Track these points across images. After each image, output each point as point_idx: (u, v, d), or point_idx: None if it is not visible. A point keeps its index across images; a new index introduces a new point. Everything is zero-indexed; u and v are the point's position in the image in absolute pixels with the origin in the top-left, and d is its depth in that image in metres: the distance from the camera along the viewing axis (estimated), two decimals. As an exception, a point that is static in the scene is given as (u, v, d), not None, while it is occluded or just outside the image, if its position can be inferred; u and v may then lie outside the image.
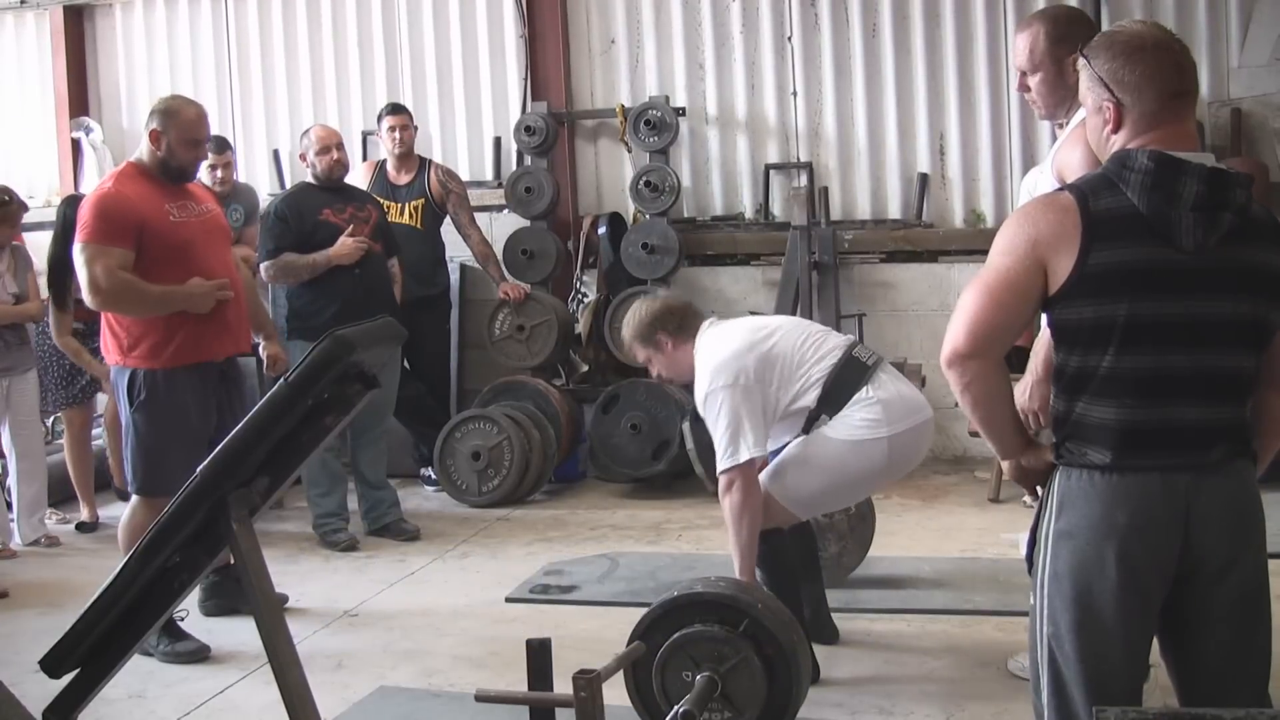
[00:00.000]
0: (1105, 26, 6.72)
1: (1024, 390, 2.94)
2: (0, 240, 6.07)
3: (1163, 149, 2.32)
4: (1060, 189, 2.47)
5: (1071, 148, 3.19)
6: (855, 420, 3.97)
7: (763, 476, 4.06)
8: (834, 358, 4.05)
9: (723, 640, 3.39)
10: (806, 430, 4.05)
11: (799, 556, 4.30)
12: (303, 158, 6.12)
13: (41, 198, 8.17)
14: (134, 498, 4.66)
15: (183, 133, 4.54)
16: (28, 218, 7.09)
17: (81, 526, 6.44)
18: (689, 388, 4.23)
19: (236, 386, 4.77)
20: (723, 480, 3.96)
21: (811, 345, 4.09)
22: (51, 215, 7.99)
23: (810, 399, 4.01)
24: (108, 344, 4.63)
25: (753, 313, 6.51)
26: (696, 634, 3.42)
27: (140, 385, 4.52)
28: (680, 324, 4.22)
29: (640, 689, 3.48)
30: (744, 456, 3.91)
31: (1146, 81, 2.35)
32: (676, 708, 3.23)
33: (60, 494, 6.71)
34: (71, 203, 5.96)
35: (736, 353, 4.01)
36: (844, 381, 4.00)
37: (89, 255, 4.42)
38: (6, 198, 6.09)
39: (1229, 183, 2.32)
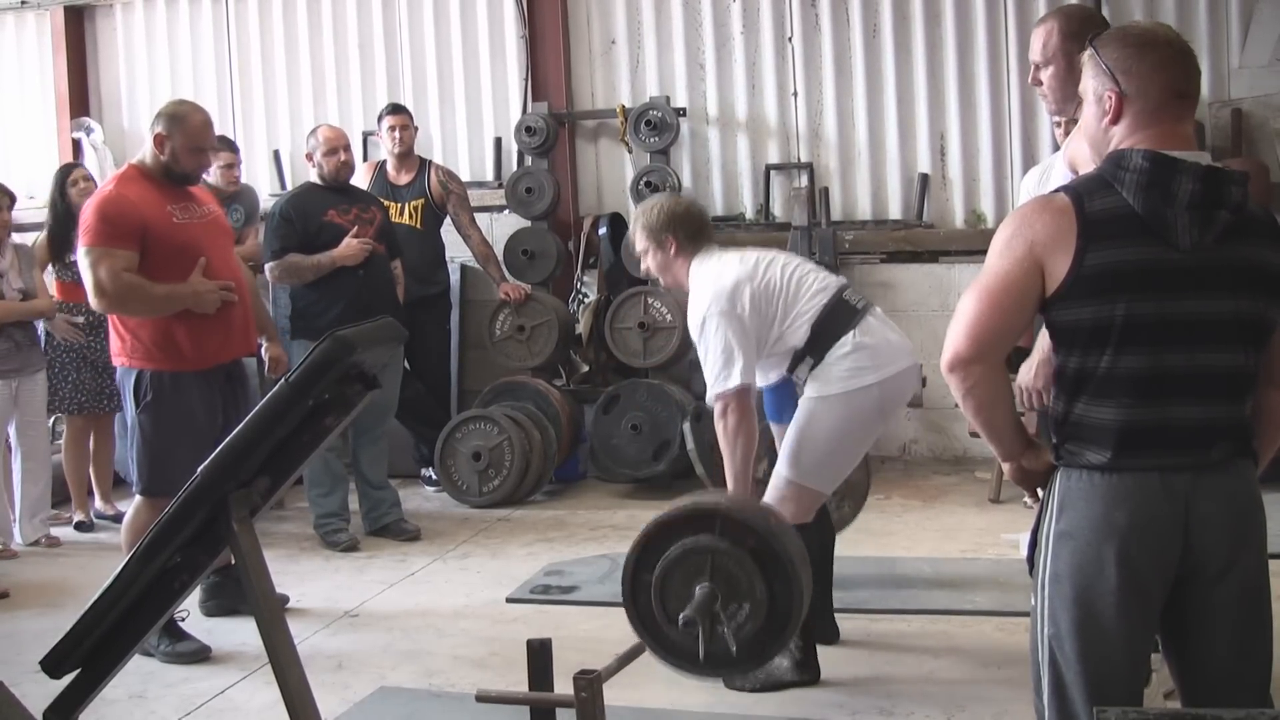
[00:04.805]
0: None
1: (1030, 368, 2.95)
2: None
3: (1158, 148, 2.33)
4: (1055, 190, 2.48)
5: (1082, 139, 3.23)
6: (844, 369, 3.96)
7: (777, 469, 4.05)
8: (825, 297, 4.05)
9: (702, 549, 3.29)
10: (791, 370, 4.05)
11: (815, 553, 4.27)
12: (309, 158, 6.09)
13: (42, 198, 8.14)
14: (137, 498, 4.65)
15: (188, 139, 4.53)
16: (30, 218, 7.08)
17: (80, 526, 6.46)
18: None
19: (242, 386, 4.76)
20: (717, 405, 3.98)
21: (806, 282, 4.09)
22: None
23: (799, 338, 4.01)
24: (114, 345, 4.62)
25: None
26: (676, 555, 3.30)
27: (147, 387, 4.51)
28: (693, 234, 4.20)
29: (655, 637, 3.37)
30: (735, 382, 3.93)
31: (1155, 72, 2.36)
32: (681, 615, 3.17)
33: (60, 494, 6.72)
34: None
35: (737, 282, 4.01)
36: (833, 323, 4.00)
37: (93, 259, 4.40)
38: None
39: (1224, 181, 2.32)
